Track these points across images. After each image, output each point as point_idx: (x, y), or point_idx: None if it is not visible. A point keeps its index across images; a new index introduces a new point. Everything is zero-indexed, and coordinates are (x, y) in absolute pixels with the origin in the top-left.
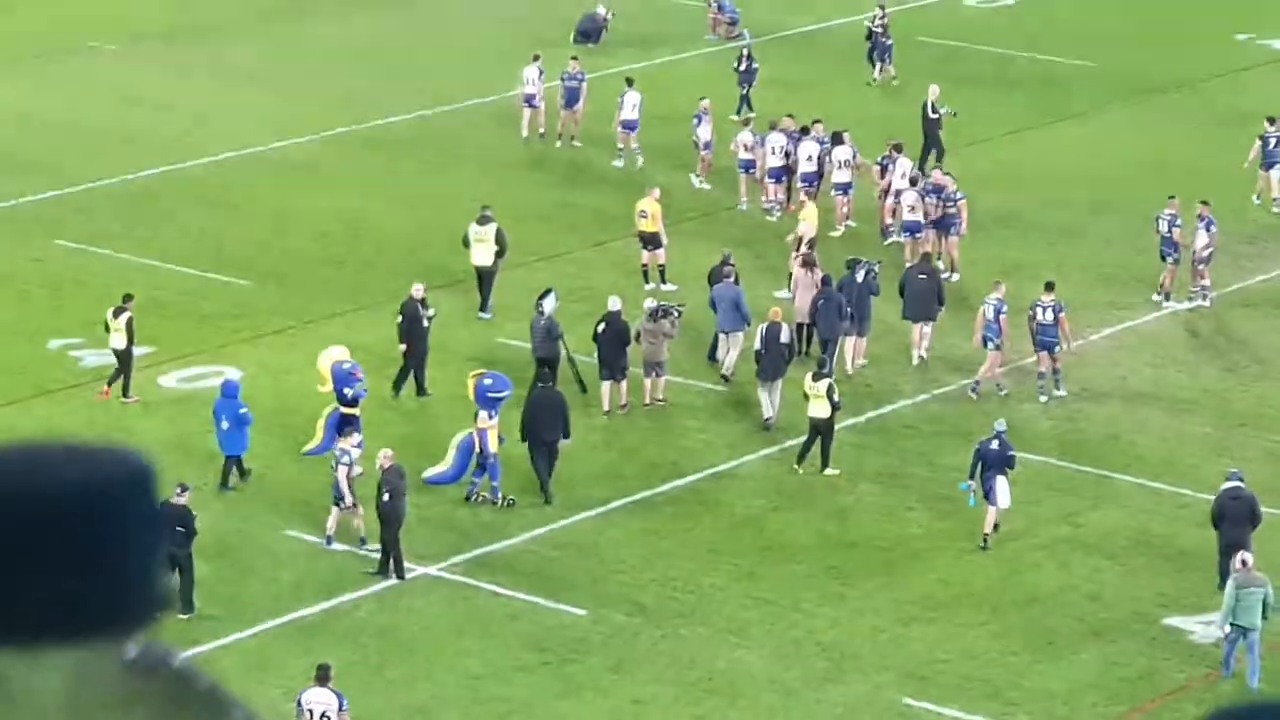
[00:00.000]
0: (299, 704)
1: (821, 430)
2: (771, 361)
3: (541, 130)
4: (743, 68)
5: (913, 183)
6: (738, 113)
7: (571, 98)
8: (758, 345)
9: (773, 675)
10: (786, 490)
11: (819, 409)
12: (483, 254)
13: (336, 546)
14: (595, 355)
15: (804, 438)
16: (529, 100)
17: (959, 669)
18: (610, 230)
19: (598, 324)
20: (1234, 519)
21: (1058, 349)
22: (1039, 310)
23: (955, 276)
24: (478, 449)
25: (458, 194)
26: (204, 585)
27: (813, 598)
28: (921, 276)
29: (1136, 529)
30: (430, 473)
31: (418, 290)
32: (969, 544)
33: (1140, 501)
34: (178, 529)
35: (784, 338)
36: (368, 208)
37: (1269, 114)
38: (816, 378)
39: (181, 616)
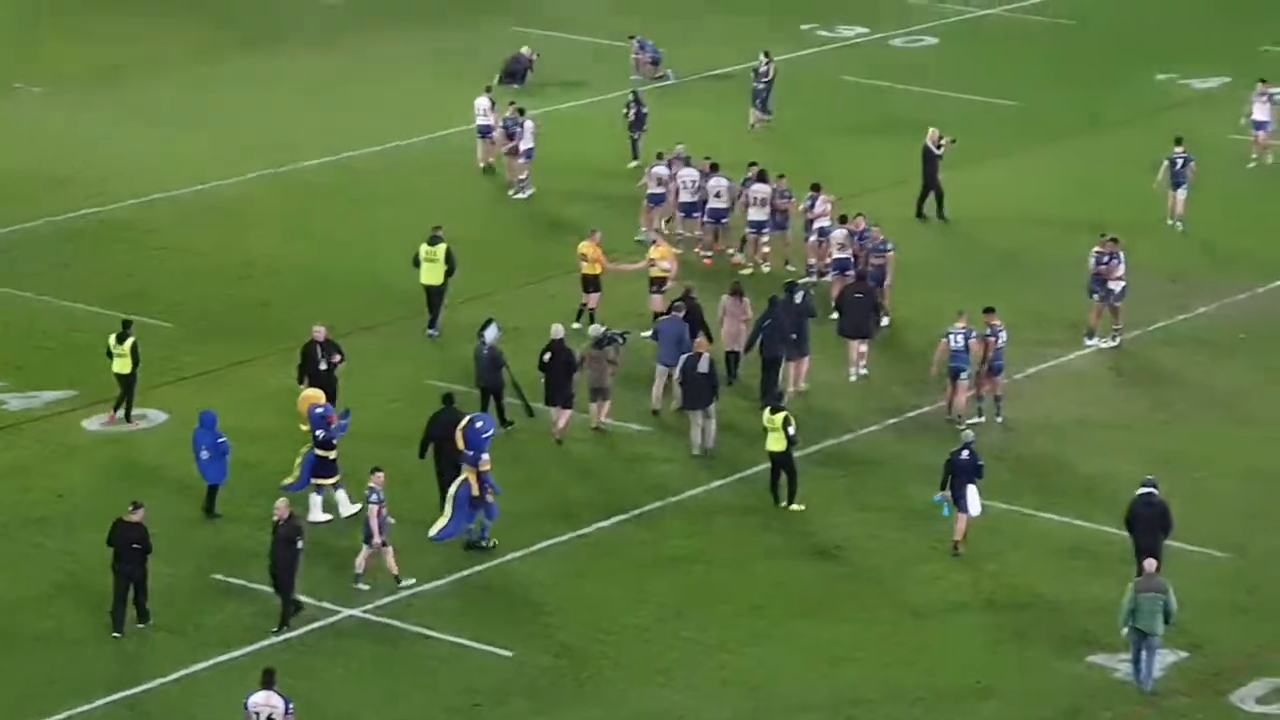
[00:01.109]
0: (246, 707)
1: (781, 462)
2: (691, 392)
3: (490, 160)
4: (632, 115)
5: (841, 220)
6: (636, 157)
7: (517, 144)
8: (678, 375)
9: (700, 716)
10: (713, 529)
11: (777, 442)
12: (432, 273)
13: (361, 586)
14: (541, 383)
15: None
16: (483, 131)
17: (885, 710)
18: (538, 271)
19: (543, 352)
20: (1146, 525)
21: (1004, 372)
22: (997, 335)
23: (886, 321)
24: (477, 492)
25: (380, 235)
26: (131, 631)
27: (739, 637)
28: (857, 295)
29: (1061, 567)
30: (434, 530)
31: (318, 332)
32: (895, 584)
33: (1065, 539)
34: (133, 546)
35: (702, 367)
36: (291, 250)
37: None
38: (774, 410)
39: (139, 625)
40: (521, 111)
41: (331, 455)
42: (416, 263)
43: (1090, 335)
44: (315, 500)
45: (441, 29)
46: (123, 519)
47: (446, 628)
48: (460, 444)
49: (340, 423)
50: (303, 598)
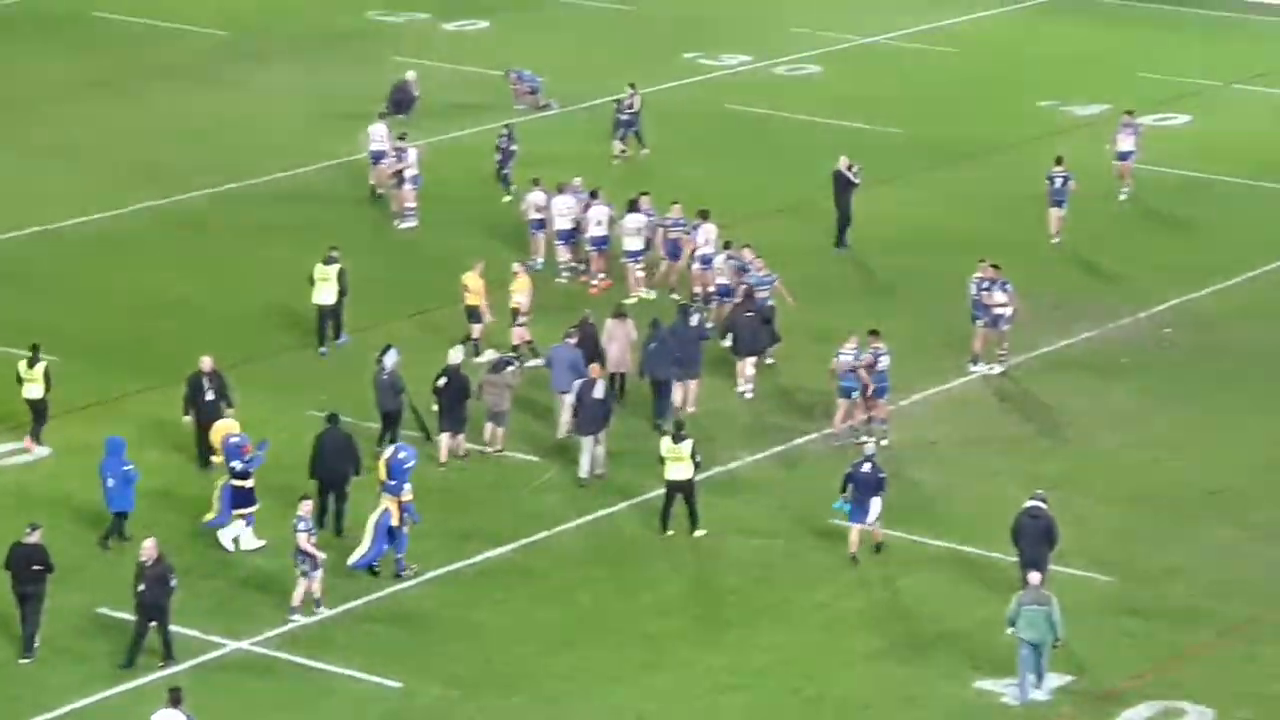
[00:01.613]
0: None
1: (683, 491)
2: (586, 417)
3: (390, 182)
4: (503, 146)
5: (726, 245)
6: (508, 189)
7: (402, 175)
8: (572, 400)
9: None
10: (601, 558)
11: (681, 470)
12: (326, 293)
13: (295, 619)
14: (436, 407)
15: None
16: (376, 158)
17: None
18: (423, 301)
19: (438, 377)
20: (1031, 537)
21: (888, 394)
22: (878, 357)
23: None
24: (397, 521)
25: (265, 267)
26: (11, 665)
27: (628, 666)
28: (748, 314)
29: (949, 592)
30: (352, 558)
31: (205, 363)
32: (782, 611)
33: (953, 565)
34: (33, 567)
35: (597, 393)
36: (173, 282)
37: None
38: (677, 439)
39: (22, 661)
40: (403, 137)
41: (248, 485)
42: (311, 281)
43: (975, 361)
44: (245, 531)
45: (323, 60)
46: (20, 541)
47: (335, 659)
48: (382, 474)
49: (257, 453)
50: (190, 631)
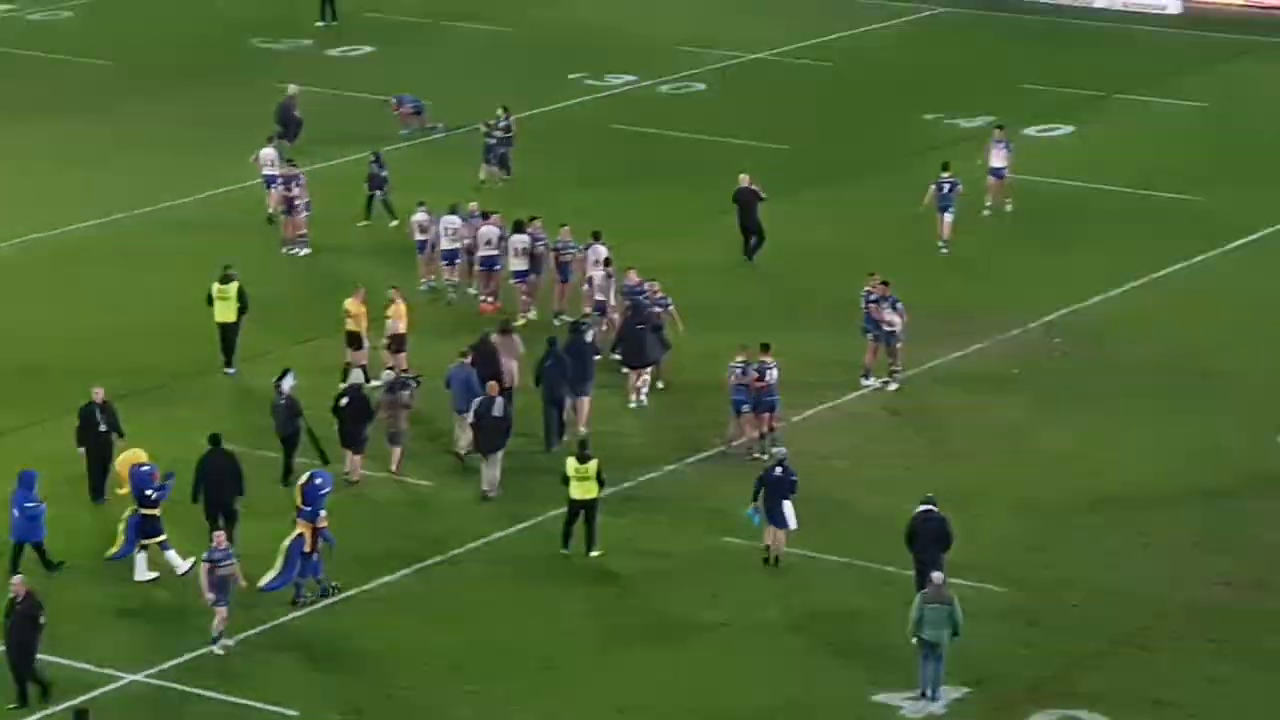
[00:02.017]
0: None
1: (586, 510)
2: (486, 434)
3: (280, 208)
4: (374, 173)
5: (607, 263)
6: (392, 214)
7: (291, 203)
8: (471, 419)
9: None
10: (498, 580)
11: (585, 489)
12: (225, 311)
13: (217, 650)
14: (336, 429)
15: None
16: (269, 181)
17: None
18: (313, 329)
19: (338, 398)
20: (925, 540)
21: (779, 408)
22: (765, 372)
23: (659, 383)
24: (309, 548)
25: (154, 296)
26: None
27: (527, 689)
28: (639, 326)
29: (845, 607)
30: (264, 581)
31: (97, 394)
32: (680, 629)
33: (847, 580)
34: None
35: (496, 411)
36: (63, 313)
37: (946, 165)
38: (582, 459)
39: None
40: (292, 163)
41: (155, 513)
42: (210, 301)
43: (867, 375)
44: (140, 559)
45: (207, 88)
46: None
47: (231, 688)
48: (298, 499)
49: (166, 483)
50: (84, 664)
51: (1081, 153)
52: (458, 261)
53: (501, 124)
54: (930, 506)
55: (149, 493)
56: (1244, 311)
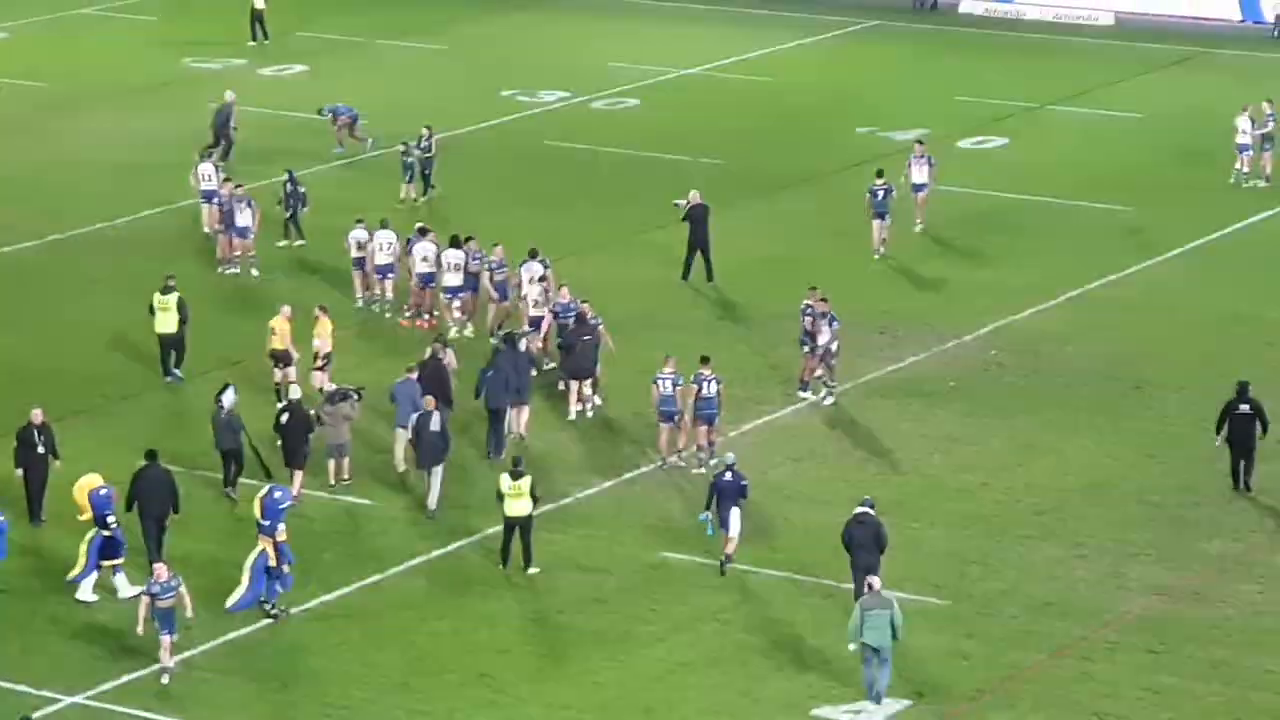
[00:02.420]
0: None
1: (521, 526)
2: (425, 449)
3: (216, 227)
4: (289, 191)
5: (543, 279)
6: (294, 237)
7: (230, 220)
8: (409, 435)
9: None
10: (436, 597)
11: (519, 506)
12: (166, 322)
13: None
14: (279, 444)
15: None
16: (208, 197)
17: None
18: (243, 350)
19: (279, 413)
20: (861, 544)
21: (718, 421)
22: (703, 384)
23: (598, 399)
24: (274, 562)
25: (92, 316)
26: None
27: (466, 707)
28: (585, 338)
29: (784, 621)
30: (231, 600)
31: (36, 416)
32: (620, 646)
33: (787, 594)
34: None
35: (434, 425)
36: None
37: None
38: (515, 476)
39: None
40: (231, 182)
41: (115, 535)
42: (151, 311)
43: (804, 387)
44: (88, 581)
45: (141, 109)
46: None
47: (172, 710)
48: (257, 514)
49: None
50: (21, 686)
51: (1015, 164)
52: (392, 276)
53: (423, 143)
54: (866, 509)
55: (108, 515)
56: (1178, 322)
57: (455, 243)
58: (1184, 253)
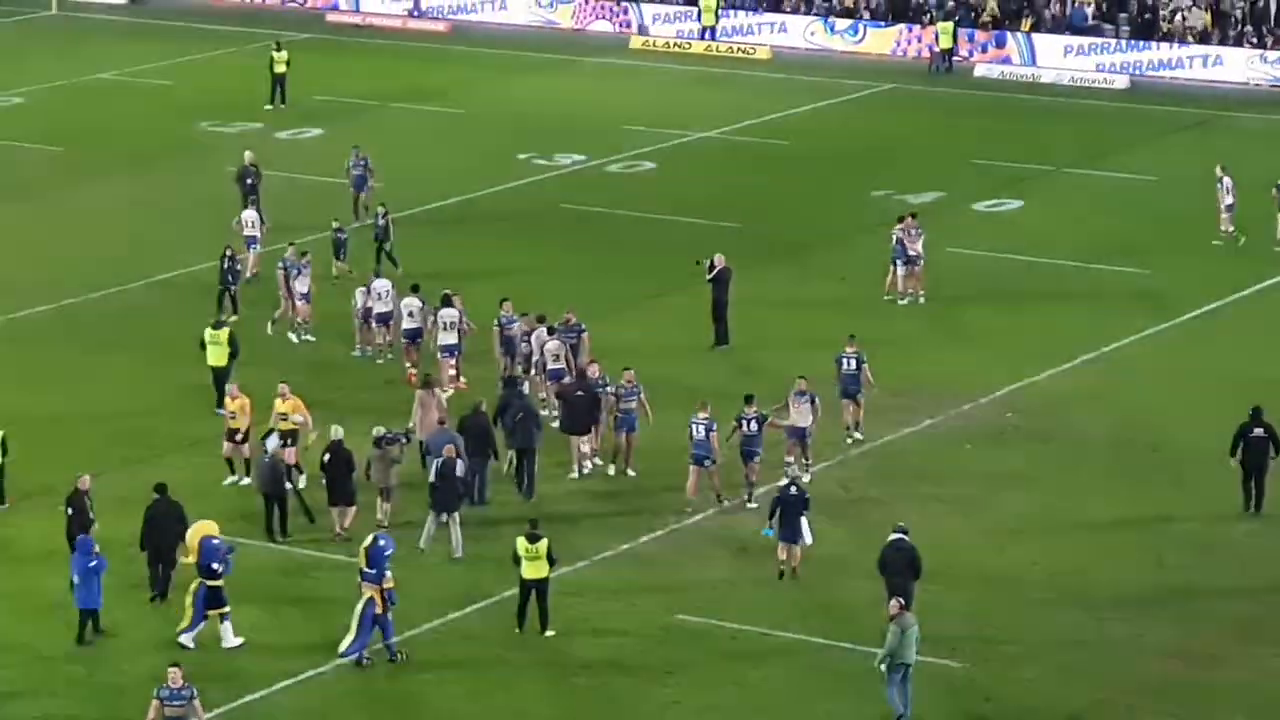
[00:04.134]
0: None
1: (538, 589)
2: (444, 496)
3: (257, 271)
4: (381, 223)
5: (549, 331)
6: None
7: (289, 284)
8: (432, 479)
9: None
10: (453, 658)
11: (536, 570)
12: (218, 355)
13: None
14: (323, 483)
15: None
16: (250, 243)
17: None
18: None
19: (323, 454)
20: (895, 568)
21: (759, 458)
22: (745, 422)
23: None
24: (381, 609)
25: (111, 381)
26: None
27: None
28: (579, 394)
29: (797, 685)
30: (342, 647)
31: (83, 481)
32: (637, 709)
33: (801, 658)
34: None
35: (459, 471)
36: (19, 399)
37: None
38: (532, 538)
39: None
40: (304, 254)
41: (220, 585)
42: (203, 345)
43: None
44: (226, 628)
45: (157, 172)
46: None
47: None
48: (363, 562)
49: (229, 557)
50: None
51: (1031, 227)
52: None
53: (380, 221)
54: (901, 535)
55: (215, 565)
56: (1193, 384)
57: (447, 301)
58: (1200, 315)
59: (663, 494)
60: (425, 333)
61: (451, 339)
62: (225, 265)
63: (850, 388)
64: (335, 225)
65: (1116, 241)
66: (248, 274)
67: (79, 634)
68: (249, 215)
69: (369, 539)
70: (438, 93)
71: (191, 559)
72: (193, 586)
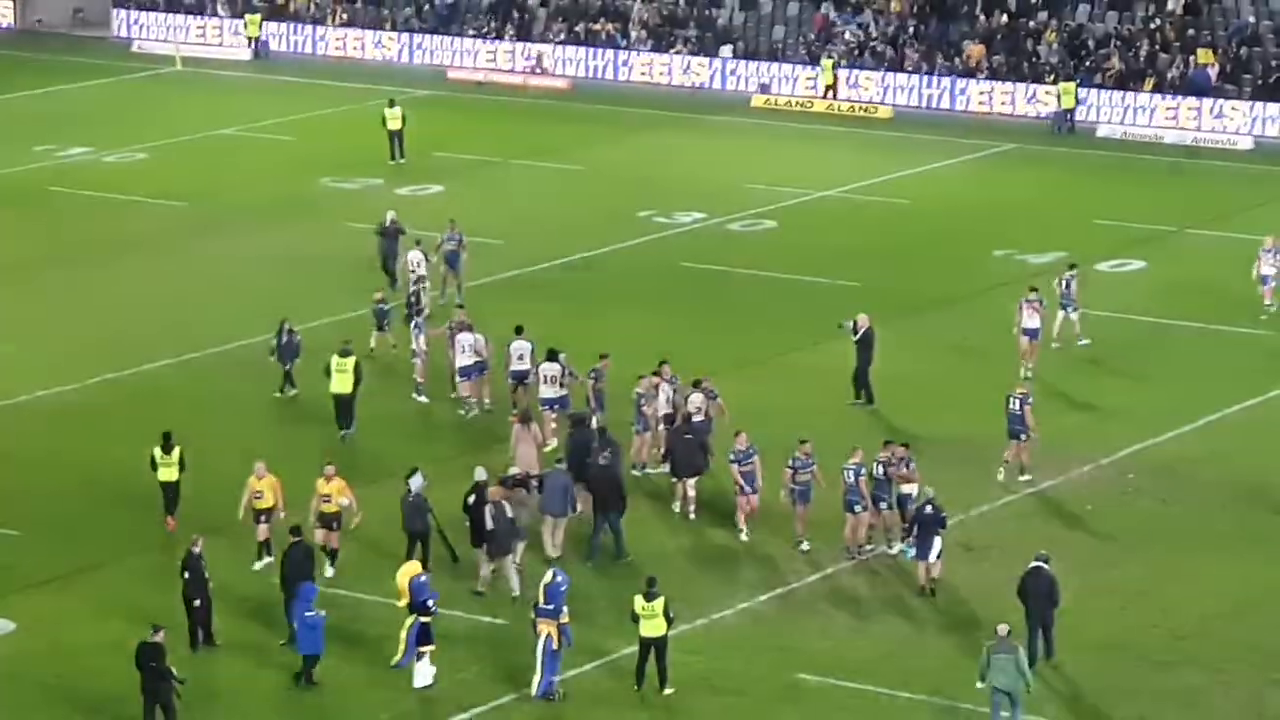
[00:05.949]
0: None
1: (656, 647)
2: (499, 539)
3: (379, 346)
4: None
5: (697, 383)
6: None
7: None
8: (489, 524)
9: None
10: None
11: (654, 628)
12: (343, 383)
13: None
14: (466, 525)
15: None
16: (417, 282)
17: None
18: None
19: (467, 495)
20: (1035, 595)
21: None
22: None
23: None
24: (557, 645)
25: (224, 440)
26: None
27: None
28: (687, 436)
29: None
30: (534, 689)
31: (197, 544)
32: None
33: (921, 716)
34: (150, 664)
35: (510, 513)
36: (137, 454)
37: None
38: (649, 597)
39: None
40: (461, 307)
41: (429, 622)
42: (328, 372)
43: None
44: (419, 667)
45: (279, 228)
46: (145, 641)
47: None
48: (541, 599)
49: (434, 593)
50: None
51: (1154, 287)
52: (474, 378)
53: (451, 242)
54: (1042, 563)
55: (429, 602)
56: None
57: (552, 355)
58: None
59: (781, 550)
60: (530, 375)
61: (551, 393)
62: (283, 340)
63: (1015, 428)
64: (377, 298)
65: (1240, 302)
66: (371, 345)
67: (305, 678)
68: (414, 256)
69: (547, 575)
70: (557, 150)
71: (404, 601)
72: (407, 622)
